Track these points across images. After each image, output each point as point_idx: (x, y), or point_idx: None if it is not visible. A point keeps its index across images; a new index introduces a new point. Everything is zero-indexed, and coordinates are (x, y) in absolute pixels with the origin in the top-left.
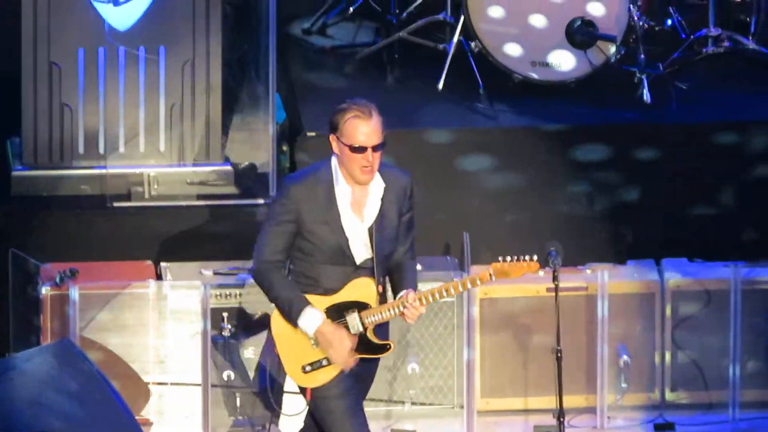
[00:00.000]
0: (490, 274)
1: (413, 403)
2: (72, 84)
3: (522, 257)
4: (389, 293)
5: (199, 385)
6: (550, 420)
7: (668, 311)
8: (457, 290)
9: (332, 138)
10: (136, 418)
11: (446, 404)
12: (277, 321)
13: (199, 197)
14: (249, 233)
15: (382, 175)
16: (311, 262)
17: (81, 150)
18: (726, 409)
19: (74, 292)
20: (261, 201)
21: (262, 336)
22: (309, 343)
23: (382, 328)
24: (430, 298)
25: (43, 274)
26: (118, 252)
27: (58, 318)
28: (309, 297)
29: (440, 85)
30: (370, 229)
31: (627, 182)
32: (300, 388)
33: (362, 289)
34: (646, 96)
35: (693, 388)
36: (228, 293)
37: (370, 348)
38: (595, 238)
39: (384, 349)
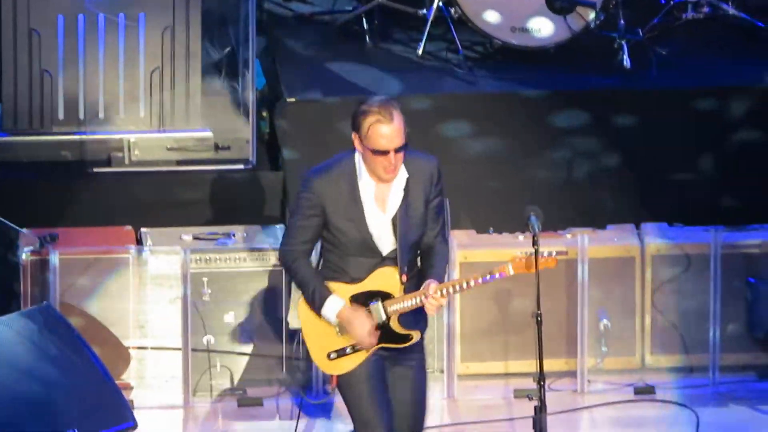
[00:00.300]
0: (509, 269)
1: None
2: (52, 51)
3: (541, 252)
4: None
5: (180, 349)
6: (531, 384)
7: (648, 275)
8: (477, 283)
9: (355, 137)
10: (117, 382)
11: (427, 369)
12: (303, 309)
13: (179, 163)
14: (229, 199)
15: (405, 164)
16: (338, 253)
17: (61, 116)
18: (706, 373)
19: (54, 258)
20: (241, 167)
21: (242, 300)
22: (334, 331)
23: (409, 317)
24: (451, 290)
25: (23, 240)
26: (99, 218)
27: (38, 283)
28: (335, 285)
29: (420, 51)
30: (393, 220)
31: (607, 148)
32: (326, 375)
33: (386, 278)
34: (626, 62)
35: (673, 351)
36: (208, 258)
37: (394, 337)
38: (576, 203)
39: (406, 339)
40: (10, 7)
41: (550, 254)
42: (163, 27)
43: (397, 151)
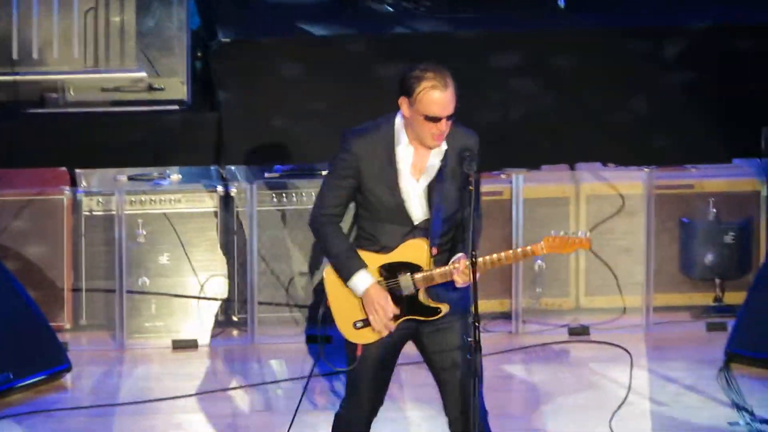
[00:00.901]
0: (542, 248)
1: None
2: None
3: (575, 233)
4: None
5: (114, 291)
6: None
7: (582, 216)
8: (509, 260)
9: (403, 101)
10: (52, 324)
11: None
12: (330, 274)
13: (114, 104)
14: (164, 140)
15: (447, 135)
16: (371, 219)
17: None
18: (640, 313)
19: None
20: (176, 107)
21: (178, 241)
22: (360, 300)
23: (437, 290)
24: (483, 267)
25: None
26: (33, 159)
27: None
28: (365, 254)
29: None
30: (428, 189)
31: (542, 89)
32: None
33: (416, 250)
34: (561, 1)
35: (607, 292)
36: (142, 199)
37: (422, 310)
38: (510, 144)
39: (435, 312)
40: None
41: (584, 234)
42: None
43: (448, 118)
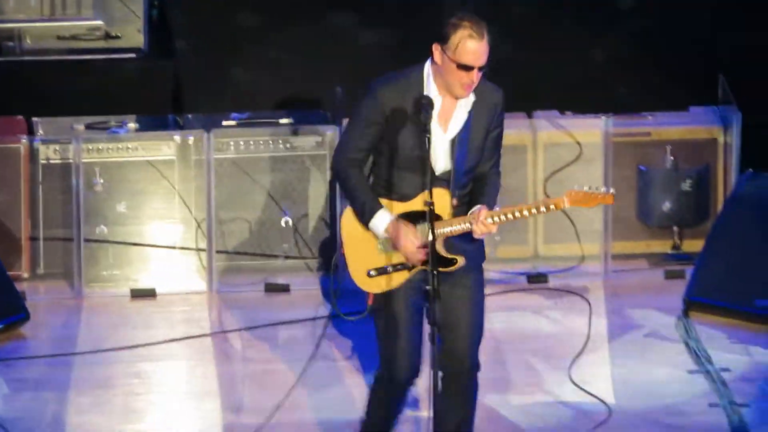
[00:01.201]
0: (565, 202)
1: (287, 257)
2: None
3: (598, 188)
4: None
5: (72, 240)
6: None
7: (540, 164)
8: (531, 213)
9: (436, 48)
10: (9, 274)
11: (319, 257)
12: (347, 222)
13: (71, 52)
14: (120, 88)
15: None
16: (391, 168)
17: None
18: (597, 261)
19: None
20: (133, 56)
21: (135, 189)
22: (376, 248)
23: (456, 242)
24: (503, 218)
25: None
26: None
27: None
28: (384, 202)
29: None
30: (452, 141)
31: (500, 36)
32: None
33: (437, 199)
34: None
35: (565, 240)
36: (100, 147)
37: (438, 260)
38: None
39: (451, 263)
40: None
41: (607, 191)
42: None
43: (480, 69)
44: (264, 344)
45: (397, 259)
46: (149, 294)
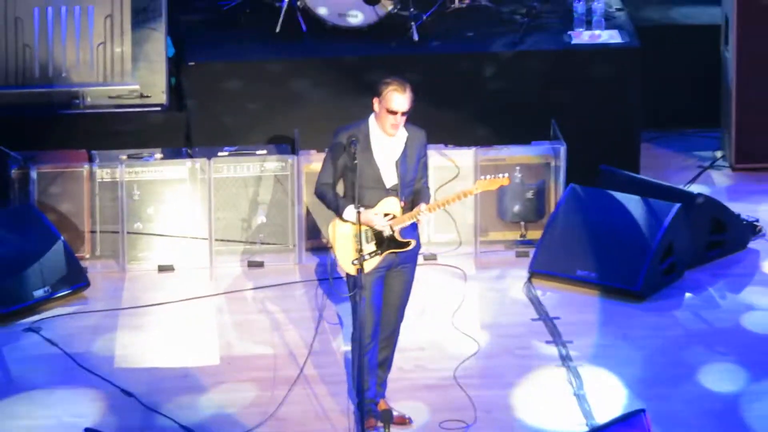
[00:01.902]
0: (476, 188)
1: (262, 243)
2: (30, 31)
3: (497, 175)
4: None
5: (117, 232)
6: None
7: (431, 180)
8: (454, 201)
9: (375, 100)
10: (77, 255)
11: (285, 243)
12: (332, 229)
13: (117, 106)
14: (150, 130)
15: (406, 128)
16: (354, 186)
17: (36, 74)
18: (471, 245)
19: (33, 172)
20: (158, 109)
21: (161, 198)
22: (354, 245)
23: (406, 231)
24: (435, 208)
25: (12, 160)
26: (63, 143)
27: (24, 190)
28: (355, 207)
29: (278, 29)
30: (396, 163)
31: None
32: (348, 276)
33: (390, 204)
34: (415, 36)
35: (448, 231)
36: (137, 170)
37: (398, 244)
38: None
39: (407, 245)
40: (1, 2)
41: (503, 175)
42: (105, 15)
43: (402, 114)
44: (247, 302)
45: (370, 249)
46: (170, 269)
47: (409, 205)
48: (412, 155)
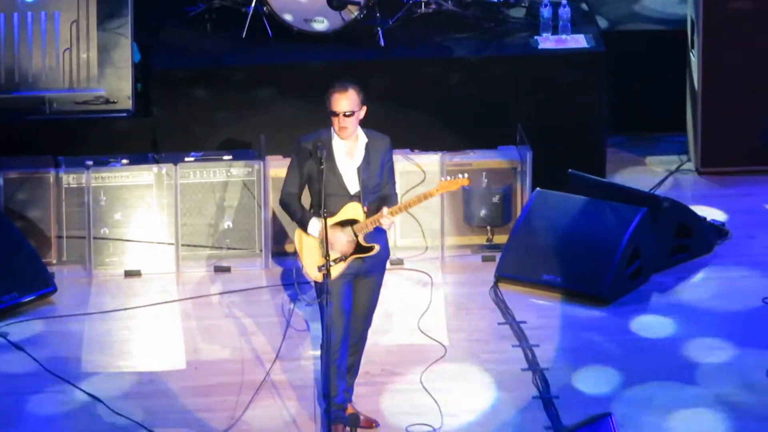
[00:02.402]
0: (437, 189)
1: (229, 248)
2: None
3: (457, 175)
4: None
5: (84, 237)
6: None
7: (398, 184)
8: (416, 203)
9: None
10: (44, 260)
11: (251, 248)
12: (297, 237)
13: (83, 111)
14: (117, 136)
15: (367, 134)
16: (319, 194)
17: (2, 80)
18: (437, 250)
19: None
20: (124, 114)
21: (127, 204)
22: (320, 252)
23: (371, 236)
24: (397, 211)
25: None
26: (30, 149)
27: None
28: (319, 219)
29: (243, 34)
30: (358, 169)
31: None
32: (316, 282)
33: (353, 210)
34: (381, 41)
35: (414, 236)
36: (103, 176)
37: (362, 249)
38: None
39: (371, 249)
40: None
41: (463, 176)
42: (71, 21)
43: (345, 115)
44: (214, 307)
45: (335, 255)
46: (136, 274)
47: (374, 209)
48: (375, 161)
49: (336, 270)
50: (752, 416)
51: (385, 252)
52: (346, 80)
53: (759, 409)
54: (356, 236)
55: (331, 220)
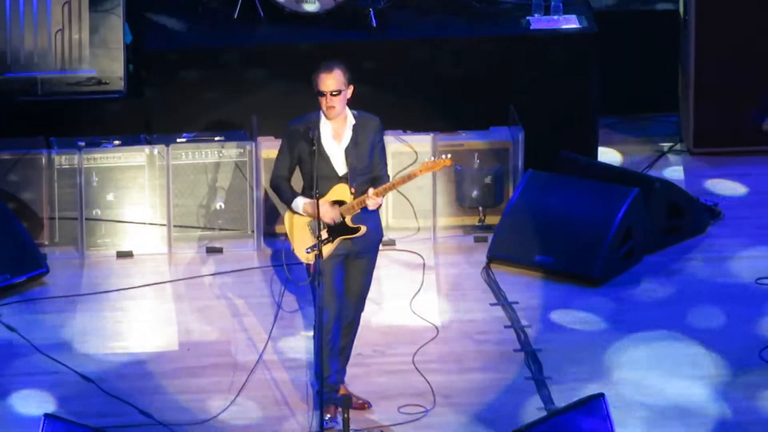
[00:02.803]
0: (420, 170)
1: (221, 229)
2: None
3: (439, 156)
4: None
5: (76, 218)
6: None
7: (390, 165)
8: (401, 184)
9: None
10: (36, 241)
11: (243, 229)
12: (287, 219)
13: (76, 93)
14: (109, 117)
15: (356, 116)
16: (311, 175)
17: None
18: (429, 231)
19: None
20: (116, 96)
21: (119, 185)
22: (309, 233)
23: (360, 218)
24: (382, 192)
25: None
26: (22, 130)
27: None
28: (309, 200)
29: (235, 15)
30: (345, 151)
31: (363, 80)
32: (306, 264)
33: (340, 191)
34: (373, 22)
35: (407, 216)
36: (95, 157)
37: (349, 230)
38: None
39: (357, 230)
40: None
41: (446, 156)
42: (63, 2)
43: (331, 94)
44: (206, 288)
45: (323, 237)
46: (128, 255)
47: (363, 190)
48: (364, 142)
49: (325, 250)
50: (743, 398)
51: (378, 234)
52: (332, 60)
53: (752, 390)
54: (343, 217)
55: (323, 201)
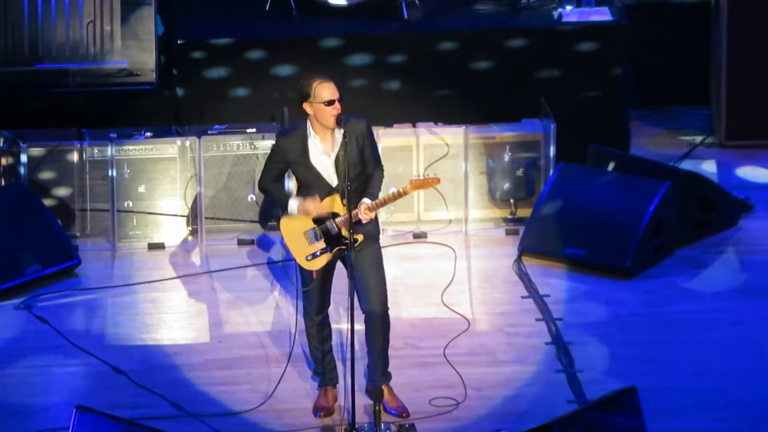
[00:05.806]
0: (409, 188)
1: (252, 221)
2: (19, 11)
3: (428, 175)
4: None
5: (108, 210)
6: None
7: (421, 158)
8: (391, 201)
9: (306, 105)
10: (68, 233)
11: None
12: (283, 225)
13: (107, 84)
14: (140, 109)
15: (342, 123)
16: (304, 187)
17: (26, 53)
18: (460, 223)
19: (24, 151)
20: (148, 87)
21: (151, 177)
22: (305, 241)
23: (355, 226)
24: (375, 207)
25: (1, 138)
26: (55, 121)
27: (14, 168)
28: (297, 198)
29: (267, 7)
30: (335, 162)
31: (390, 72)
32: (302, 269)
33: (333, 203)
34: (404, 14)
35: (438, 209)
36: (127, 149)
37: (340, 241)
38: (374, 111)
39: (354, 241)
40: None
41: (435, 176)
42: None
43: (339, 100)
44: (237, 280)
45: (321, 246)
46: (160, 246)
47: (357, 196)
48: (352, 149)
49: (321, 261)
50: None
51: (375, 226)
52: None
53: None
54: (339, 229)
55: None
